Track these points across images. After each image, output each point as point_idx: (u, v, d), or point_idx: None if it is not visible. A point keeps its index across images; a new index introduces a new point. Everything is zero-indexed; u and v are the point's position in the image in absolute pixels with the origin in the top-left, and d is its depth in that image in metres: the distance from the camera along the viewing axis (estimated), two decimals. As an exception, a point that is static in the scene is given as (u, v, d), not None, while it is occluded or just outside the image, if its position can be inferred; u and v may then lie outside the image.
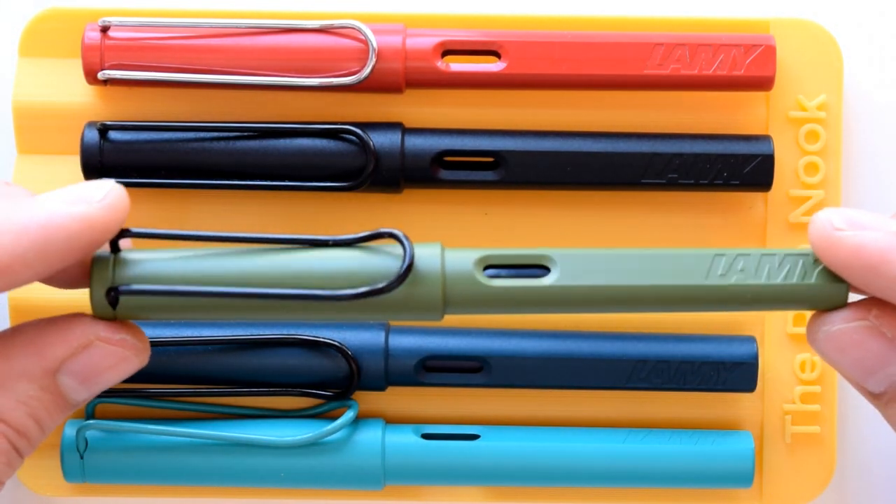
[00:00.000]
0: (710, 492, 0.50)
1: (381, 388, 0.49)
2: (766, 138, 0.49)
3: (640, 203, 0.50)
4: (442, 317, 0.41)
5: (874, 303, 0.40)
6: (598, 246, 0.50)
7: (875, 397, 0.41)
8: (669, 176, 0.48)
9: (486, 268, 0.41)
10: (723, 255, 0.41)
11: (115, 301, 0.40)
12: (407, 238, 0.40)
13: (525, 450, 0.48)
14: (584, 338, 0.49)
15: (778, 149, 0.49)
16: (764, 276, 0.40)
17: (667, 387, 0.48)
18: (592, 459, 0.48)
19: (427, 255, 0.40)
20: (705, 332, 0.49)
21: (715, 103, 0.50)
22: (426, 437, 0.49)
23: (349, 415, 0.48)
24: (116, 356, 0.40)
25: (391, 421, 0.49)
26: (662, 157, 0.48)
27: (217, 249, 0.40)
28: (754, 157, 0.48)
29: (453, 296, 0.40)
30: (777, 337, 0.50)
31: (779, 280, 0.40)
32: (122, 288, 0.39)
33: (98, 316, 0.40)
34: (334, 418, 0.48)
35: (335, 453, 0.48)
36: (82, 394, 0.40)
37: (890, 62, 0.51)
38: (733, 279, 0.40)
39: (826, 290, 0.40)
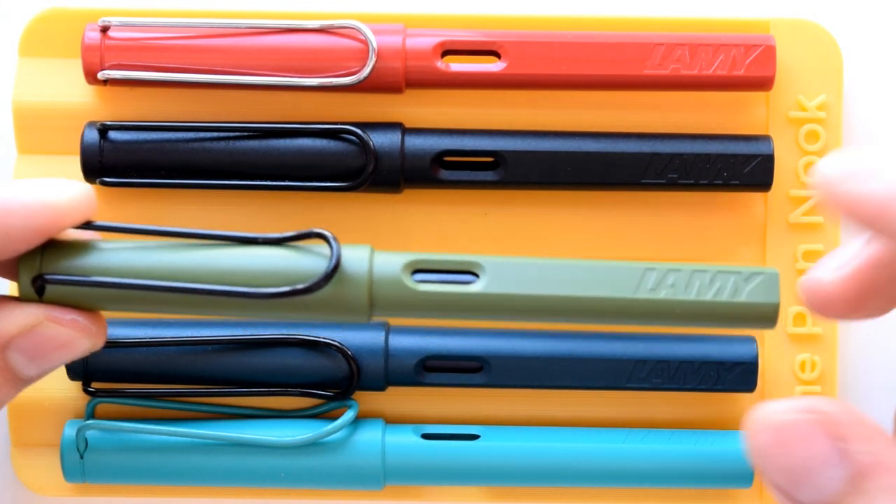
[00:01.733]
0: (710, 492, 0.50)
1: (381, 388, 0.49)
2: (765, 138, 0.49)
3: (640, 203, 0.50)
4: (368, 319, 0.40)
5: (824, 401, 0.37)
6: (597, 246, 0.50)
7: None
8: (669, 176, 0.48)
9: (414, 272, 0.40)
10: (653, 269, 0.40)
11: (42, 289, 0.40)
12: (335, 239, 0.39)
13: (525, 450, 0.48)
14: (584, 338, 0.49)
15: (778, 149, 0.49)
16: (694, 293, 0.40)
17: (667, 387, 0.48)
18: (592, 459, 0.48)
19: (355, 257, 0.39)
20: (705, 332, 0.49)
21: (715, 103, 0.50)
22: (426, 437, 0.49)
23: (349, 415, 0.48)
24: (66, 337, 0.40)
25: (391, 421, 0.49)
26: (662, 157, 0.48)
27: (149, 243, 0.40)
28: (754, 157, 0.48)
29: (379, 299, 0.39)
30: (777, 337, 0.50)
31: (708, 297, 0.40)
32: (48, 277, 0.39)
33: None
34: (334, 418, 0.48)
35: (335, 453, 0.48)
36: (33, 370, 0.40)
37: (890, 62, 0.51)
38: (663, 294, 0.40)
39: (755, 308, 0.40)
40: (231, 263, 0.39)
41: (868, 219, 0.35)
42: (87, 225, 0.40)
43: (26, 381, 0.41)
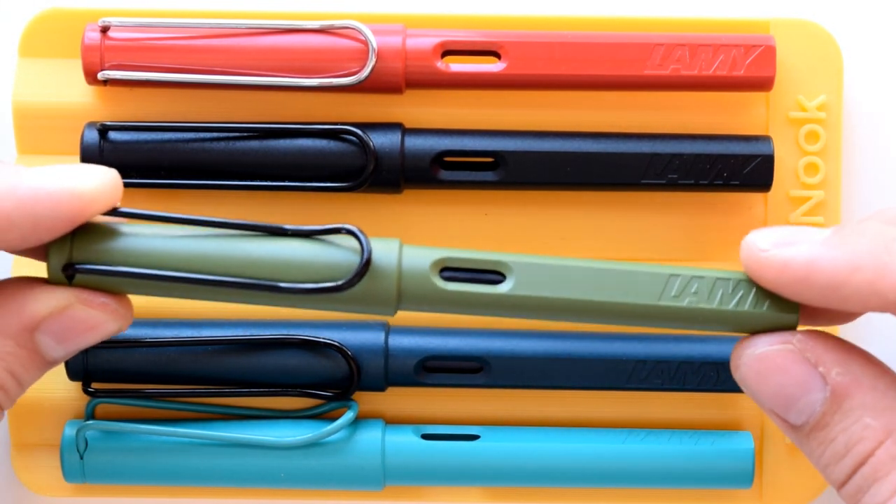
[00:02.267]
0: (710, 492, 0.50)
1: (381, 389, 0.49)
2: (765, 139, 0.49)
3: (640, 203, 0.50)
4: (394, 314, 0.41)
5: (800, 332, 0.40)
6: (598, 246, 0.50)
7: (795, 430, 0.40)
8: (669, 176, 0.48)
9: (442, 270, 0.41)
10: (678, 276, 0.41)
11: (72, 277, 0.40)
12: (364, 235, 0.40)
13: (525, 450, 0.48)
14: (584, 338, 0.49)
15: (778, 149, 0.49)
16: (717, 301, 0.40)
17: (667, 387, 0.48)
18: (592, 459, 0.48)
19: (384, 252, 0.40)
20: (705, 332, 0.49)
21: (715, 103, 0.50)
22: (426, 437, 0.49)
23: (349, 415, 0.48)
24: (95, 319, 0.40)
25: (391, 421, 0.49)
26: (662, 158, 0.48)
27: (179, 231, 0.41)
28: (754, 157, 0.48)
29: (407, 295, 0.40)
30: (777, 337, 0.50)
31: (731, 306, 0.40)
32: (79, 266, 0.40)
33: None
34: (334, 419, 0.48)
35: (335, 454, 0.48)
36: (60, 352, 0.41)
37: (890, 62, 0.51)
38: (685, 301, 0.40)
39: (776, 318, 0.40)
40: (261, 254, 0.40)
41: (794, 282, 0.38)
42: (115, 212, 0.40)
43: (51, 364, 0.41)
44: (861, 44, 0.51)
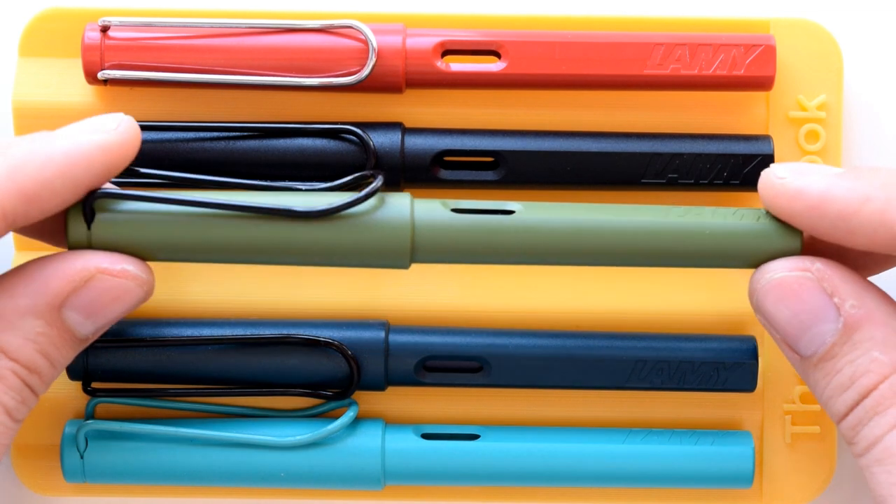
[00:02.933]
0: (710, 492, 0.50)
1: (381, 388, 0.49)
2: (765, 138, 0.49)
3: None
4: (409, 263, 0.42)
5: (818, 257, 0.40)
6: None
7: (803, 360, 0.40)
8: (669, 176, 0.48)
9: (452, 210, 0.42)
10: (679, 206, 0.43)
11: (91, 216, 0.41)
12: (378, 171, 0.43)
13: (525, 450, 0.48)
14: (584, 338, 0.49)
15: (778, 149, 0.49)
16: (721, 217, 0.42)
17: (667, 387, 0.48)
18: (592, 459, 0.48)
19: (397, 197, 0.42)
20: (705, 332, 0.49)
21: (715, 103, 0.50)
22: (426, 437, 0.49)
23: (349, 415, 0.48)
24: (120, 288, 0.41)
25: (391, 421, 0.49)
26: (662, 157, 0.48)
27: (195, 192, 0.43)
28: (754, 157, 0.48)
29: (421, 231, 0.42)
30: (777, 337, 0.50)
31: (735, 220, 0.42)
32: (99, 192, 0.41)
33: (83, 245, 0.41)
34: (334, 418, 0.48)
35: (335, 453, 0.48)
36: (89, 327, 0.41)
37: (890, 62, 0.51)
38: (692, 218, 0.42)
39: (781, 234, 0.41)
40: (276, 203, 0.42)
41: (807, 209, 0.39)
42: (128, 171, 0.42)
43: (82, 342, 0.42)
44: (861, 44, 0.51)
